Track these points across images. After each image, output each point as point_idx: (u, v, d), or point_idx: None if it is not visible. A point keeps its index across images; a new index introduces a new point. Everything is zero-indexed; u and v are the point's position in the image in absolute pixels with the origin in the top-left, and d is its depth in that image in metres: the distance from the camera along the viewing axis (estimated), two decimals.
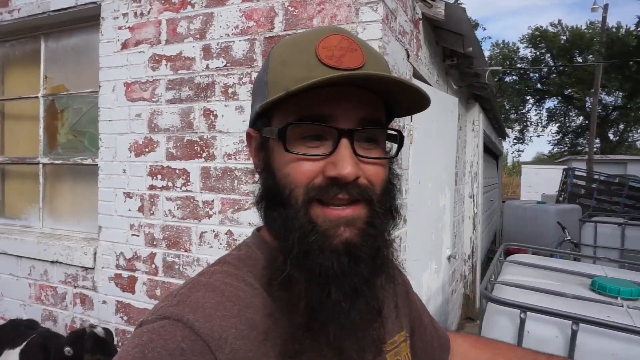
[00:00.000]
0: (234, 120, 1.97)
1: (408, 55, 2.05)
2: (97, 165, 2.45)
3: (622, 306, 1.65)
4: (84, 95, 2.58)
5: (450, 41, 2.77)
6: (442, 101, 2.65)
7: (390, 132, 0.58)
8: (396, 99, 0.56)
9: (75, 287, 2.47)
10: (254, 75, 1.92)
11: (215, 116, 2.01)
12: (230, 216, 2.00)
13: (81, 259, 2.42)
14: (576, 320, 1.46)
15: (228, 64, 1.97)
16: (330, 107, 0.51)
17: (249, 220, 1.94)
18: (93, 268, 2.39)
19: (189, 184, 2.10)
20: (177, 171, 2.12)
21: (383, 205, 0.54)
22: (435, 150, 2.61)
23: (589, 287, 1.88)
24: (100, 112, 2.33)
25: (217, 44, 1.99)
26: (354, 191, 0.51)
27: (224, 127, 2.00)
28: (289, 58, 0.53)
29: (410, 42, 2.10)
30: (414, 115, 2.13)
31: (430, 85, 2.56)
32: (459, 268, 4.19)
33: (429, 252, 2.62)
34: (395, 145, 0.59)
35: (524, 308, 1.54)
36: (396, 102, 0.58)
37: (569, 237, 4.93)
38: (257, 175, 0.61)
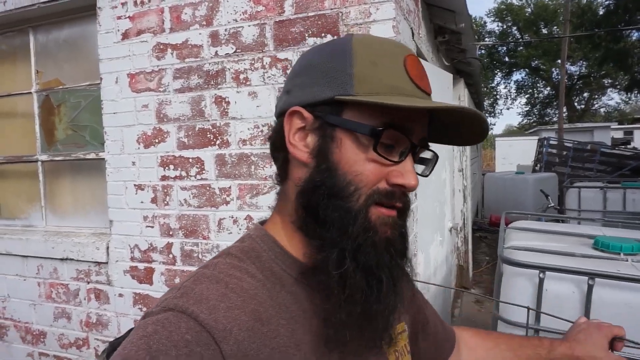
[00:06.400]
0: (247, 106, 1.98)
1: (413, 34, 2.10)
2: (101, 159, 2.43)
3: (626, 260, 1.78)
4: (81, 88, 2.53)
5: (443, 18, 2.83)
6: (440, 78, 2.71)
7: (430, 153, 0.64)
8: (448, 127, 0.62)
9: (88, 282, 2.46)
10: (266, 60, 1.93)
11: (228, 103, 2.02)
12: (249, 201, 2.03)
13: (93, 254, 2.40)
14: (592, 275, 1.56)
15: (238, 50, 1.97)
16: (414, 122, 0.56)
17: (269, 204, 1.98)
18: (106, 262, 2.39)
19: (203, 172, 2.11)
20: (191, 160, 2.13)
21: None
22: None
23: (591, 246, 2.01)
24: (104, 105, 2.30)
25: (225, 30, 1.98)
26: (406, 199, 0.58)
27: (237, 113, 2.01)
28: (378, 60, 0.55)
29: (414, 21, 2.14)
30: None
31: (428, 62, 2.62)
32: (453, 240, 4.34)
33: (433, 225, 2.71)
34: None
35: (543, 268, 1.64)
36: (447, 130, 0.62)
37: (552, 204, 5.16)
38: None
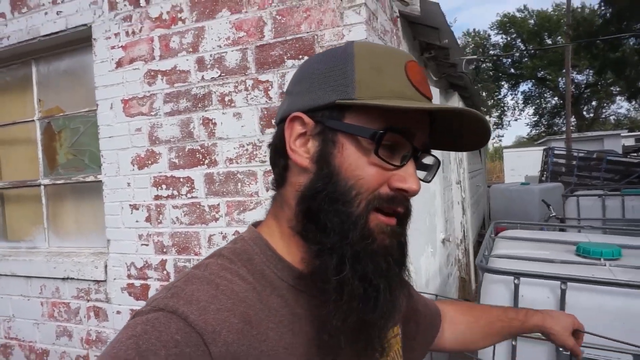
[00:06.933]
0: (232, 126, 2.08)
1: None
2: (99, 181, 2.53)
3: (605, 265, 1.81)
4: (80, 114, 2.66)
5: (426, 35, 2.92)
6: None
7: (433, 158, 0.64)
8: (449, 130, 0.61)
9: (88, 300, 2.55)
10: (249, 82, 2.03)
11: (214, 124, 2.12)
12: (237, 217, 2.10)
13: (92, 272, 2.49)
14: (564, 279, 1.60)
15: (223, 74, 2.08)
16: (416, 126, 0.55)
17: (255, 219, 2.05)
18: (105, 280, 2.47)
19: (194, 190, 2.20)
20: (181, 179, 2.22)
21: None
22: None
23: (574, 252, 2.04)
24: (100, 130, 2.42)
25: (211, 55, 2.10)
26: (407, 204, 0.57)
27: (223, 133, 2.10)
28: (379, 65, 0.55)
29: (391, 40, 2.24)
30: None
31: None
32: (453, 252, 4.35)
33: (424, 236, 2.76)
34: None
35: (517, 274, 1.68)
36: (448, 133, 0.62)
37: (554, 214, 5.14)
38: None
